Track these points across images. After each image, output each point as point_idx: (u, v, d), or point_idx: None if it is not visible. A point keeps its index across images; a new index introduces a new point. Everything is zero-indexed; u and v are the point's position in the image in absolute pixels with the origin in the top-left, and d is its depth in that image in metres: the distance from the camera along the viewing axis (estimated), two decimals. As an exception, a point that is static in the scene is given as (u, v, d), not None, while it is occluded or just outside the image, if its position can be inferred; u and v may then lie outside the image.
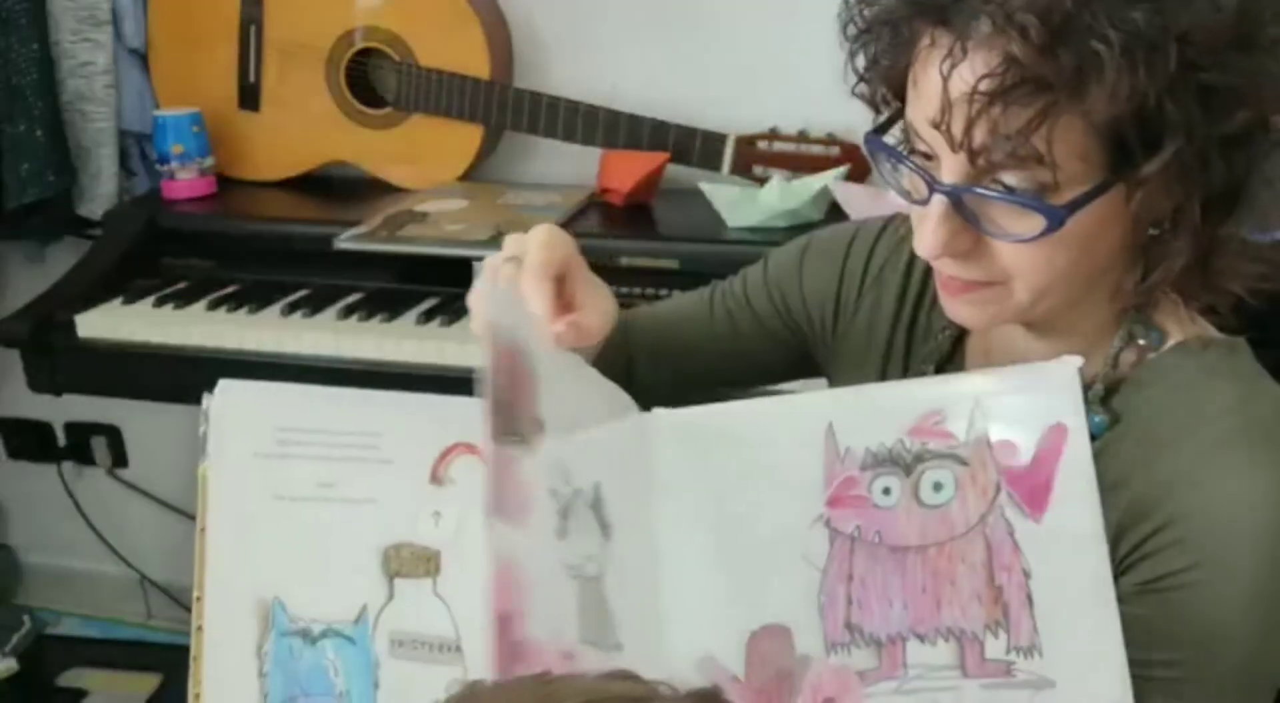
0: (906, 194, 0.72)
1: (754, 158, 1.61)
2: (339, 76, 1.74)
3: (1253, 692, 0.69)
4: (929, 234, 0.68)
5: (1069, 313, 0.73)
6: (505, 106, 1.67)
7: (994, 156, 0.63)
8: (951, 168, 0.66)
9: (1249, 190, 0.67)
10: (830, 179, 1.52)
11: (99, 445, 2.20)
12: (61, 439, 2.23)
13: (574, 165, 1.72)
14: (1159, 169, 0.63)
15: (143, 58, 1.84)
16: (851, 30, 0.72)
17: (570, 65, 1.76)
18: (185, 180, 1.74)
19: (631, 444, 0.76)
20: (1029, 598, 0.69)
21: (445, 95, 1.68)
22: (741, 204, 1.53)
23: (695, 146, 1.62)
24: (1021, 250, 0.67)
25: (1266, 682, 0.69)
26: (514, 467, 0.67)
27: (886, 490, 0.73)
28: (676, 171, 1.64)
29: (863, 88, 0.75)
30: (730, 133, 1.61)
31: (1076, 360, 0.70)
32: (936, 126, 0.64)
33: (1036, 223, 0.65)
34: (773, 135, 1.61)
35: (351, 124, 1.75)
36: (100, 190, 1.85)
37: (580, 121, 1.65)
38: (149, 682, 2.05)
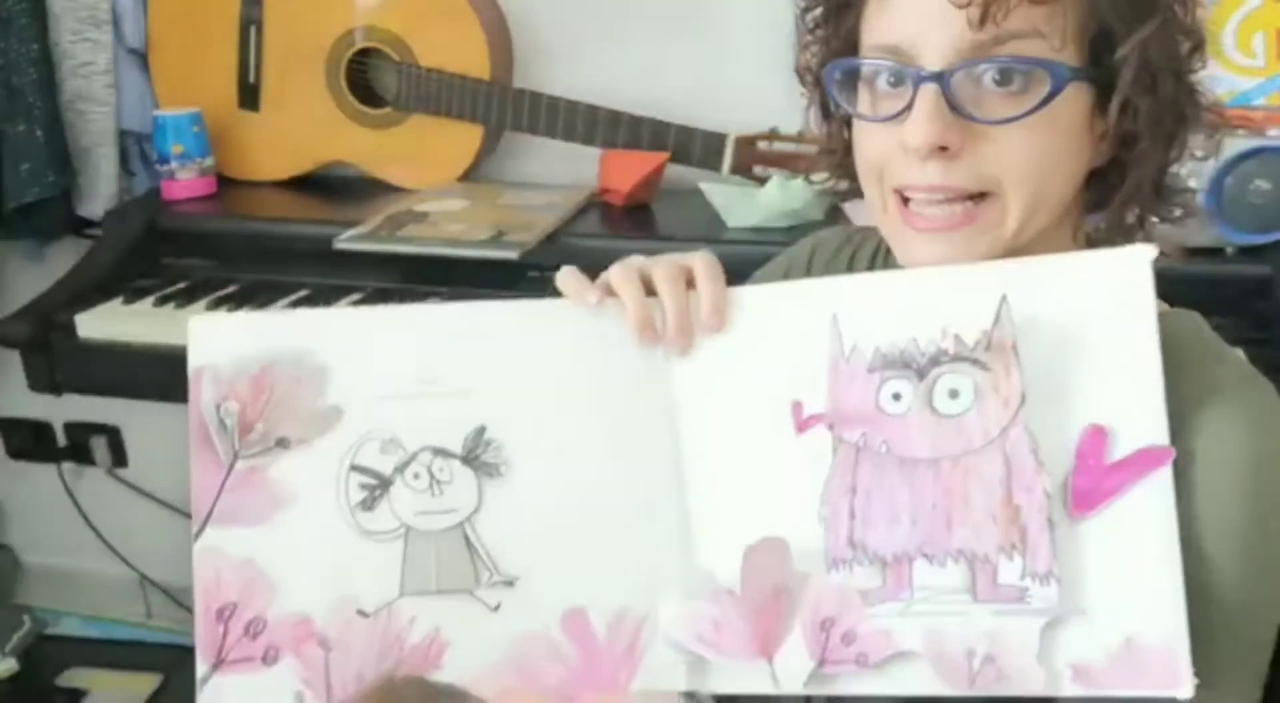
0: (864, 116, 0.72)
1: (754, 158, 1.61)
2: (339, 76, 1.74)
3: (1250, 654, 0.67)
4: (922, 125, 0.67)
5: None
6: (505, 106, 1.67)
7: (1010, 3, 0.64)
8: (939, 53, 0.67)
9: (1194, 102, 0.72)
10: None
11: (99, 445, 2.20)
12: (61, 439, 2.23)
13: (574, 165, 1.72)
14: (1132, 61, 0.67)
15: (143, 58, 1.84)
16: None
17: (570, 65, 1.76)
18: (185, 180, 1.74)
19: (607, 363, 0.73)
20: (1049, 522, 0.64)
21: (445, 95, 1.68)
22: (741, 204, 1.53)
23: (695, 146, 1.62)
24: (1008, 144, 0.67)
25: (1263, 642, 0.68)
26: (255, 477, 0.71)
27: (896, 396, 0.67)
28: (676, 171, 1.64)
29: (810, 56, 0.78)
30: (730, 133, 1.61)
31: (1151, 249, 0.64)
32: None
33: (1036, 93, 0.66)
34: (773, 135, 1.61)
35: (351, 124, 1.75)
36: (100, 190, 1.85)
37: (580, 121, 1.65)
38: (149, 682, 2.05)
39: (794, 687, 0.69)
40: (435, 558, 0.71)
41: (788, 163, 1.58)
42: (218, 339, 0.73)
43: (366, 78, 1.75)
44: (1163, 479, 0.63)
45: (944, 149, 0.68)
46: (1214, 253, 1.31)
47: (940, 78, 0.67)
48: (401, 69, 1.70)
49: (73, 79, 1.81)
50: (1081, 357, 0.65)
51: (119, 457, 2.21)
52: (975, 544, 0.65)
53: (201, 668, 0.71)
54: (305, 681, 0.70)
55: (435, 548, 0.71)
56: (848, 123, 0.78)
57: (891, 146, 0.70)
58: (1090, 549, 0.64)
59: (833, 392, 0.69)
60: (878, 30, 0.71)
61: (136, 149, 1.89)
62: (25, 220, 1.84)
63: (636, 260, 0.75)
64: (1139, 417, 0.63)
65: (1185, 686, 0.62)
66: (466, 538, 0.72)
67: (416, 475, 0.72)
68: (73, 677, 2.12)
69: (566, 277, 0.74)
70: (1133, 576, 0.63)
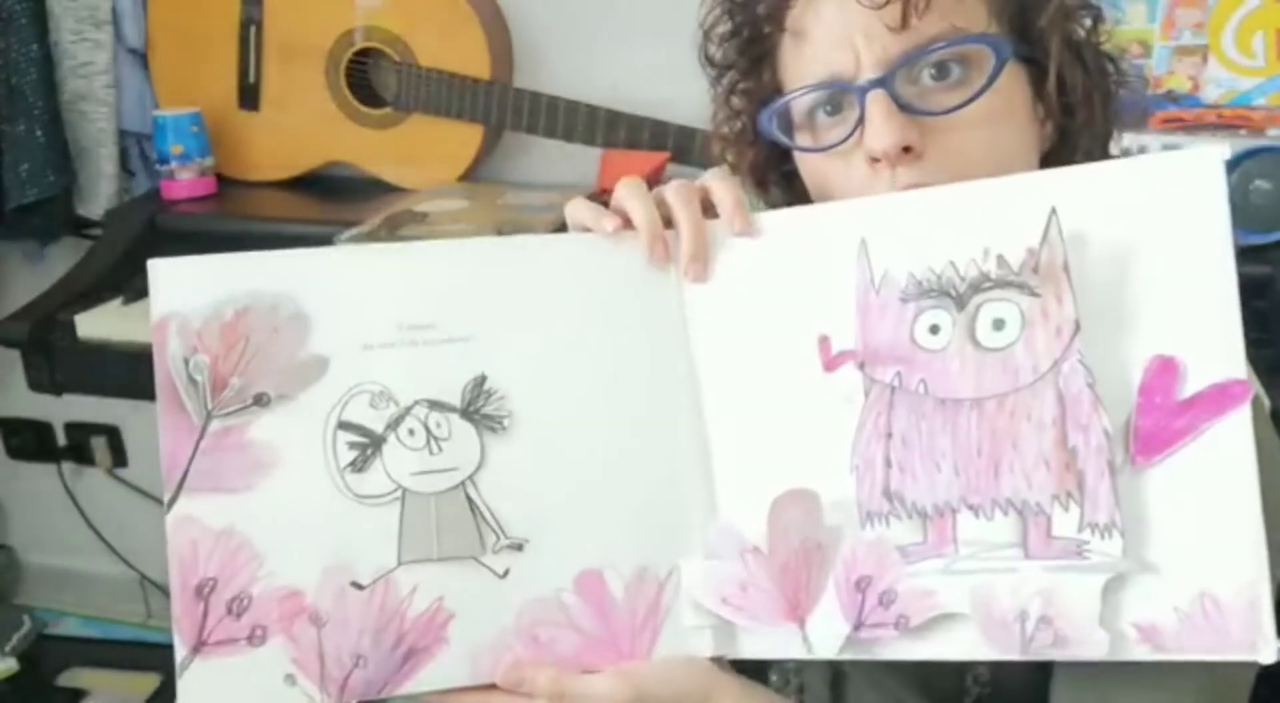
0: (815, 148, 0.71)
1: (754, 158, 1.60)
2: (339, 76, 1.74)
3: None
4: (882, 128, 0.66)
5: None
6: (505, 106, 1.67)
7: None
8: (872, 63, 0.67)
9: (1119, 70, 0.73)
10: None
11: (99, 445, 2.20)
12: (61, 439, 2.23)
13: (574, 165, 1.72)
14: (1056, 32, 0.68)
15: (143, 58, 1.84)
16: (715, 53, 0.77)
17: (570, 65, 1.75)
18: (185, 180, 1.74)
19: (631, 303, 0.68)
20: (1109, 465, 0.57)
21: (445, 95, 1.68)
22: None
23: (695, 146, 1.62)
24: (973, 131, 0.67)
25: None
26: (232, 438, 0.65)
27: (934, 328, 0.61)
28: (676, 172, 1.64)
29: (735, 124, 0.77)
30: (730, 133, 1.61)
31: (1223, 148, 0.56)
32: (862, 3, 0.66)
33: (979, 75, 0.67)
34: (773, 135, 1.61)
35: (351, 124, 1.75)
36: (100, 190, 1.85)
37: (580, 121, 1.65)
38: (149, 682, 2.05)
39: (828, 652, 0.64)
40: (435, 522, 0.65)
41: (788, 163, 1.58)
42: (183, 284, 0.65)
43: (366, 78, 1.75)
44: (1240, 419, 0.55)
45: (909, 150, 0.67)
46: (1214, 253, 1.30)
47: (883, 82, 0.66)
48: (401, 69, 1.70)
49: (73, 79, 1.80)
50: (1143, 278, 0.57)
51: (119, 457, 2.21)
52: (1026, 493, 0.59)
53: (181, 652, 0.64)
54: (296, 661, 0.64)
55: (435, 511, 0.66)
56: (789, 182, 0.77)
57: (854, 172, 0.69)
58: (1157, 498, 0.57)
59: (863, 326, 0.63)
60: (802, 67, 0.70)
61: (136, 149, 1.89)
62: (25, 220, 1.84)
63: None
64: (1212, 347, 0.56)
65: (1269, 647, 0.55)
66: (469, 499, 0.66)
67: (411, 432, 0.66)
68: (73, 677, 2.12)
69: (579, 206, 0.71)
70: (1206, 527, 0.56)
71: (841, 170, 0.70)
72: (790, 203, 0.77)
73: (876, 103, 0.66)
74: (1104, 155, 0.74)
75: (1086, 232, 0.58)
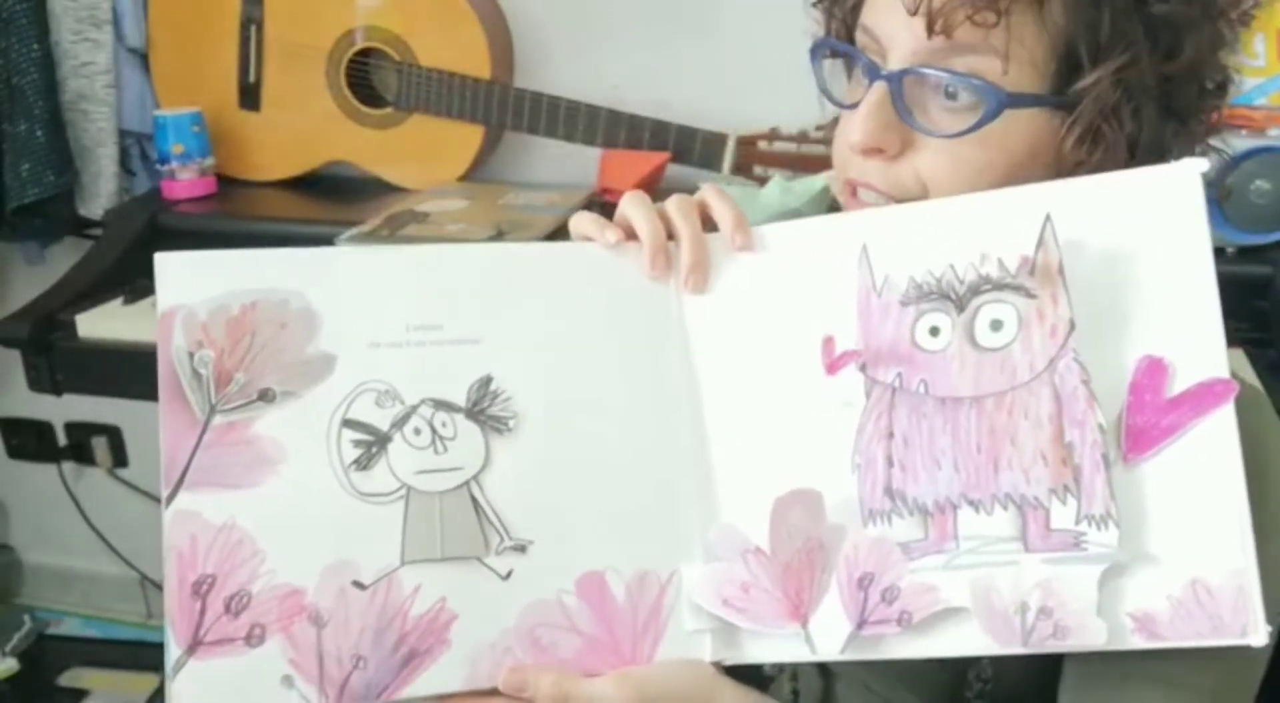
0: (842, 104, 0.72)
1: (754, 158, 1.60)
2: (339, 76, 1.74)
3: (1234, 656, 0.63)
4: (861, 124, 0.67)
5: None
6: (505, 106, 1.67)
7: (953, 19, 0.63)
8: (901, 52, 0.66)
9: (1174, 154, 0.68)
10: (830, 178, 1.51)
11: (99, 445, 2.20)
12: (61, 439, 2.23)
13: (574, 165, 1.72)
14: (1096, 93, 0.64)
15: (143, 58, 1.84)
16: None
17: (570, 65, 1.76)
18: (185, 180, 1.74)
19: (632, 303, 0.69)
20: (1104, 459, 0.59)
21: (445, 95, 1.68)
22: (742, 204, 1.52)
23: (695, 146, 1.62)
24: (946, 156, 0.66)
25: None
26: (235, 433, 0.64)
27: (934, 330, 0.63)
28: (676, 171, 1.64)
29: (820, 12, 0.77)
30: (730, 133, 1.60)
31: (1200, 162, 0.59)
32: None
33: (973, 114, 0.65)
34: (773, 135, 1.60)
35: (351, 124, 1.75)
36: (101, 190, 1.84)
37: (580, 121, 1.64)
38: (149, 682, 2.05)
39: (831, 652, 0.65)
40: (439, 522, 0.65)
41: (788, 163, 1.58)
42: (190, 277, 0.65)
43: (367, 77, 1.75)
44: (1225, 415, 0.58)
45: (881, 150, 0.67)
46: (1214, 253, 1.30)
47: (891, 78, 0.67)
48: (402, 69, 1.70)
49: (73, 79, 1.80)
50: (1132, 282, 0.60)
51: (119, 457, 2.21)
52: (1025, 487, 0.61)
53: (175, 652, 0.64)
54: (294, 663, 0.64)
55: (439, 510, 0.65)
56: None
57: (843, 137, 0.71)
58: (1148, 491, 0.59)
59: (864, 329, 0.64)
60: (868, 15, 0.70)
61: (137, 149, 1.89)
62: (26, 220, 1.84)
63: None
64: (1197, 347, 0.59)
65: (1259, 631, 0.57)
66: (473, 499, 0.66)
67: (417, 431, 0.66)
68: (73, 677, 2.12)
69: (583, 218, 0.72)
70: (1196, 518, 0.58)
71: (845, 125, 0.71)
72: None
73: (873, 95, 0.67)
74: None
75: (1079, 238, 0.60)
